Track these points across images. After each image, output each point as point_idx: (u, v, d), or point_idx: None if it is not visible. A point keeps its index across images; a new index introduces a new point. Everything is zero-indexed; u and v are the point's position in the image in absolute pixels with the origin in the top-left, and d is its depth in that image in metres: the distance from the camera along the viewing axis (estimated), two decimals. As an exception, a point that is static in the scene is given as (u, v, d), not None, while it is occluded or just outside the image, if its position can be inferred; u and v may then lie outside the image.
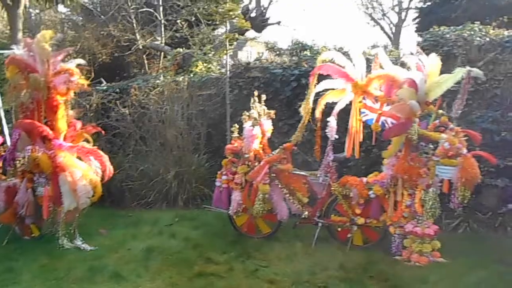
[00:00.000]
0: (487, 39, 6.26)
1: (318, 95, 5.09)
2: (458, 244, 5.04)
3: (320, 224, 5.13)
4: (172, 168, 6.75)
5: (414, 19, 15.91)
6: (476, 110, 6.15)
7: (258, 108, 5.20)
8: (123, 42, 10.67)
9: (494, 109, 6.06)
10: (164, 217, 6.25)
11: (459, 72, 4.48)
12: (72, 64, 5.37)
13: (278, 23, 11.49)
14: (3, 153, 5.43)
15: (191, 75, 8.27)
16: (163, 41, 11.15)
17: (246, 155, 5.10)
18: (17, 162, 5.31)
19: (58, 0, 7.61)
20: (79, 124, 5.63)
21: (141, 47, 10.72)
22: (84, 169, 5.12)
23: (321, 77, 5.02)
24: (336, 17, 36.60)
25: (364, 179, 4.89)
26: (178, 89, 7.58)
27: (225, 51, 9.81)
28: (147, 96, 7.38)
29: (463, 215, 5.73)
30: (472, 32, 6.43)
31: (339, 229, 5.10)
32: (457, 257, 4.55)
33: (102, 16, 10.87)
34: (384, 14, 26.66)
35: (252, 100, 5.18)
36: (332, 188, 4.98)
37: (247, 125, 5.05)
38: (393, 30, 26.31)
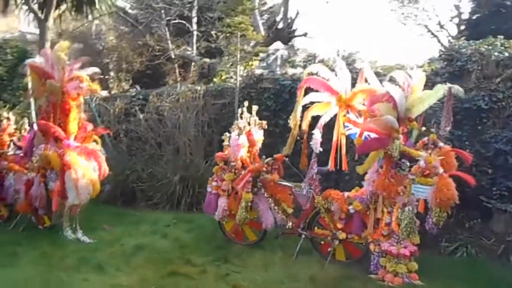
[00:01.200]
0: (506, 54, 6.05)
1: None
2: (447, 268, 4.92)
3: (303, 236, 5.20)
4: (179, 172, 7.08)
5: (460, 31, 15.29)
6: (491, 129, 5.97)
7: (247, 118, 5.39)
8: (156, 52, 11.24)
9: (510, 128, 5.83)
10: (164, 218, 6.59)
11: (440, 89, 4.45)
12: (84, 72, 5.84)
13: (305, 34, 11.60)
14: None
15: (211, 84, 8.61)
16: (194, 51, 11.60)
17: (233, 163, 5.30)
18: (34, 158, 5.87)
19: (88, 12, 8.21)
20: (90, 126, 6.09)
21: (173, 56, 11.24)
22: (85, 168, 5.54)
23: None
24: (387, 31, 35.72)
25: (346, 194, 4.91)
26: (193, 98, 7.95)
27: (250, 63, 10.09)
28: (163, 104, 7.79)
29: (464, 239, 5.57)
30: (491, 47, 6.23)
31: (322, 242, 5.13)
32: (436, 281, 4.45)
33: (140, 27, 11.52)
34: (441, 26, 25.74)
35: (240, 111, 5.38)
36: (315, 201, 5.05)
37: (233, 134, 5.25)
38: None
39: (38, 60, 5.71)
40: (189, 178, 7.04)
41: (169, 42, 11.33)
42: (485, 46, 6.17)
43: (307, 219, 5.22)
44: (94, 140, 6.06)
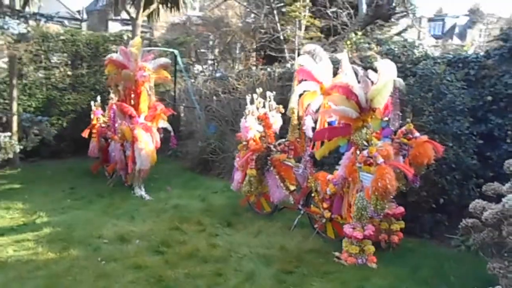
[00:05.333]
0: None
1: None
2: (423, 258, 4.86)
3: (302, 212, 5.70)
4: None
5: None
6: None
7: (260, 103, 6.02)
8: (270, 34, 12.11)
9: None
10: (218, 185, 7.70)
11: (389, 82, 4.36)
12: (150, 64, 7.23)
13: (405, 12, 10.84)
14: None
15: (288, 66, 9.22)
16: (302, 32, 12.09)
17: (244, 142, 6.05)
18: (118, 131, 7.61)
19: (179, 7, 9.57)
20: (160, 107, 7.52)
21: (281, 38, 12.00)
22: (146, 141, 6.98)
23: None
24: None
25: (329, 176, 5.21)
26: (268, 79, 8.75)
27: (348, 44, 10.20)
28: (238, 84, 8.80)
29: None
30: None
31: (316, 219, 5.56)
32: (393, 267, 4.57)
33: (256, 12, 12.55)
34: None
35: (250, 98, 6.02)
36: (308, 181, 5.47)
37: (243, 118, 5.98)
38: None
39: (115, 55, 7.32)
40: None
41: (278, 24, 12.09)
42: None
43: (305, 197, 5.69)
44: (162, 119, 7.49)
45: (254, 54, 14.41)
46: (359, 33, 10.49)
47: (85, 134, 8.54)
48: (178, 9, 9.69)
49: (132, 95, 7.34)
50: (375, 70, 4.80)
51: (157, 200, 6.99)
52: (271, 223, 5.89)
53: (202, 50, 13.48)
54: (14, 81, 8.57)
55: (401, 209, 5.03)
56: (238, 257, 4.82)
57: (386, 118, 4.71)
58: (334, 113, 4.72)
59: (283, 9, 11.24)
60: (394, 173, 4.22)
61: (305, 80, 5.32)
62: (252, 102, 6.04)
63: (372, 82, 4.62)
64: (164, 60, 7.57)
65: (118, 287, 4.13)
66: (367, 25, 10.75)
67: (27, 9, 8.24)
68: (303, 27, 12.52)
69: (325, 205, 5.31)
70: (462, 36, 41.26)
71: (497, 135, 5.85)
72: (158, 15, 9.93)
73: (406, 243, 5.16)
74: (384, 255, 4.85)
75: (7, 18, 5.97)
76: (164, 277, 4.30)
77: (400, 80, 4.57)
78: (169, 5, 9.53)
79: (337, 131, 4.76)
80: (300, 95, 5.47)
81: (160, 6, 9.72)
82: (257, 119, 6.05)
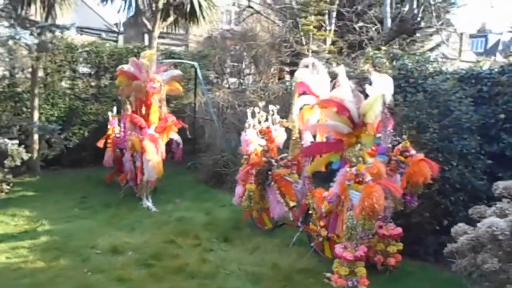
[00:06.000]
0: None
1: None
2: (421, 282, 4.60)
3: (300, 229, 5.50)
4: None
5: None
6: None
7: (262, 117, 5.91)
8: (288, 48, 12.05)
9: None
10: (227, 199, 7.53)
11: (379, 96, 4.14)
12: (162, 75, 7.28)
13: (430, 27, 10.42)
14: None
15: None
16: (327, 46, 11.93)
17: (245, 156, 5.94)
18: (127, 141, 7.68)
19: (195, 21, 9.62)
20: (170, 118, 7.55)
21: (306, 52, 11.86)
22: (153, 153, 7.00)
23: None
24: None
25: (325, 193, 5.00)
26: (285, 93, 8.64)
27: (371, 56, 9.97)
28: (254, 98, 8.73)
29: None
30: None
31: (314, 237, 5.34)
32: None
33: (280, 24, 12.50)
34: None
35: (250, 111, 5.92)
36: (306, 197, 5.29)
37: (243, 131, 5.88)
38: None
39: (126, 66, 7.42)
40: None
41: (303, 38, 11.97)
42: None
43: (304, 214, 5.49)
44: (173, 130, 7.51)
45: (283, 68, 14.39)
46: (383, 47, 10.26)
47: (100, 144, 8.67)
48: (197, 22, 9.76)
49: (143, 106, 7.41)
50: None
51: (162, 212, 6.96)
52: (269, 239, 5.71)
53: (230, 63, 13.54)
54: (36, 91, 8.87)
55: (399, 230, 4.75)
56: (226, 274, 4.68)
57: (379, 135, 4.48)
58: (327, 128, 4.54)
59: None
60: (383, 192, 3.98)
61: (305, 93, 5.18)
62: (253, 115, 5.93)
63: (367, 97, 4.42)
64: (176, 72, 7.61)
65: (97, 299, 4.10)
66: (391, 40, 10.45)
67: (50, 20, 8.52)
68: (328, 42, 12.42)
69: (321, 223, 5.09)
70: (505, 52, 39.70)
71: (509, 155, 5.46)
72: (176, 28, 10.06)
73: (406, 266, 4.88)
74: (380, 277, 4.59)
75: (18, 28, 6.16)
76: (146, 292, 4.23)
77: (389, 95, 4.34)
78: (187, 18, 9.61)
79: (329, 147, 4.57)
80: (301, 109, 5.34)
81: (180, 19, 9.79)
82: (259, 133, 5.93)
